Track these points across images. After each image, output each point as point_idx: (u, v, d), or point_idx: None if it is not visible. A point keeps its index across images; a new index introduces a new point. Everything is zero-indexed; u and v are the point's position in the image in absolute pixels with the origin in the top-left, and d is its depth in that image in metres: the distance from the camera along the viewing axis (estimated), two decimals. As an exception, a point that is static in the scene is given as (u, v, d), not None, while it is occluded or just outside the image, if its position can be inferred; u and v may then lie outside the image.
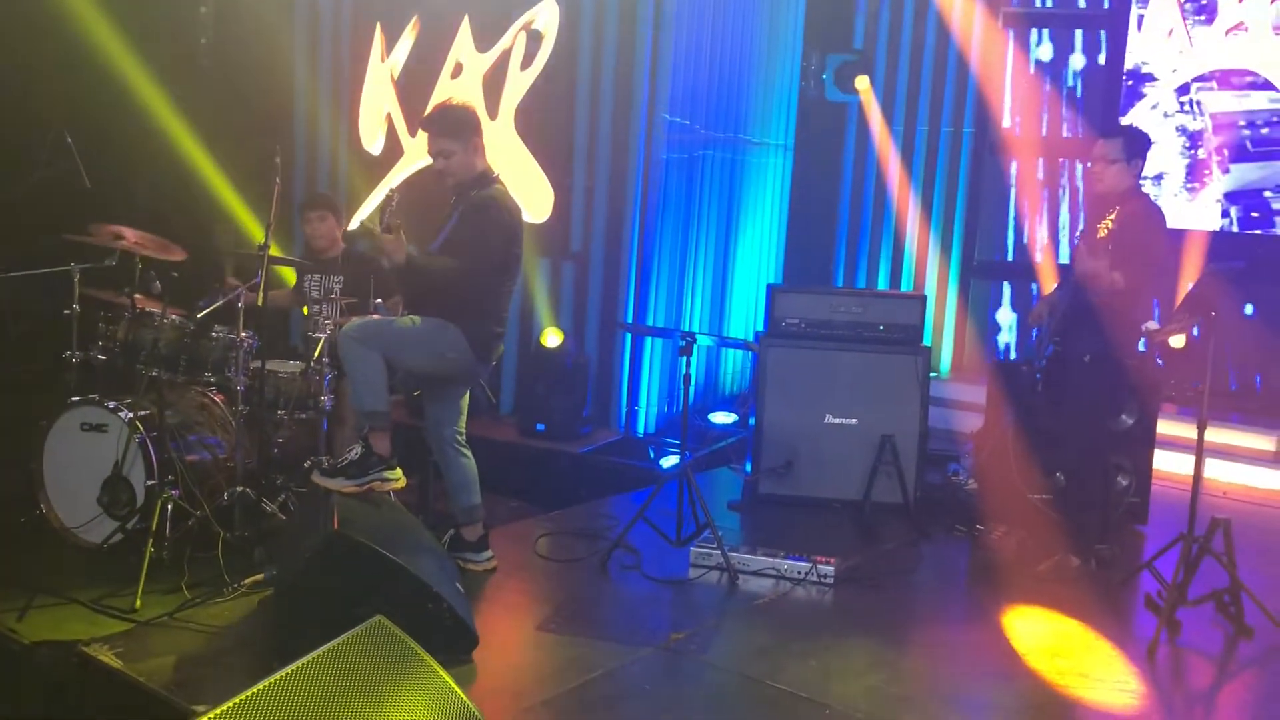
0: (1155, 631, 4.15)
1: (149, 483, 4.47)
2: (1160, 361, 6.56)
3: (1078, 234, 4.89)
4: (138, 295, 4.74)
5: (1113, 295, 4.60)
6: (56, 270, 4.84)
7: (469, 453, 4.63)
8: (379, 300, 5.26)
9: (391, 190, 4.34)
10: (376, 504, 4.18)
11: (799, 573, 4.68)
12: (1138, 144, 4.80)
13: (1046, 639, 4.26)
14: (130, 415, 4.55)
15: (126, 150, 7.25)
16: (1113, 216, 4.74)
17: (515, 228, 4.44)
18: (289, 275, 5.69)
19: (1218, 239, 7.46)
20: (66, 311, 4.76)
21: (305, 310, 5.56)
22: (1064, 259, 7.86)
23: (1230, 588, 4.35)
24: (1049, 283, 7.69)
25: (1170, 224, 4.90)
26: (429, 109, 4.61)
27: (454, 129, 4.39)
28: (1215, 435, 6.49)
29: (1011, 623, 4.41)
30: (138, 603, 4.02)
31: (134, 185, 7.31)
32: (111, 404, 4.59)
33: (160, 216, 6.28)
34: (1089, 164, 4.91)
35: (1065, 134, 8.25)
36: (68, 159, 6.43)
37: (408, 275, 4.27)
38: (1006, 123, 8.21)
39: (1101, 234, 4.73)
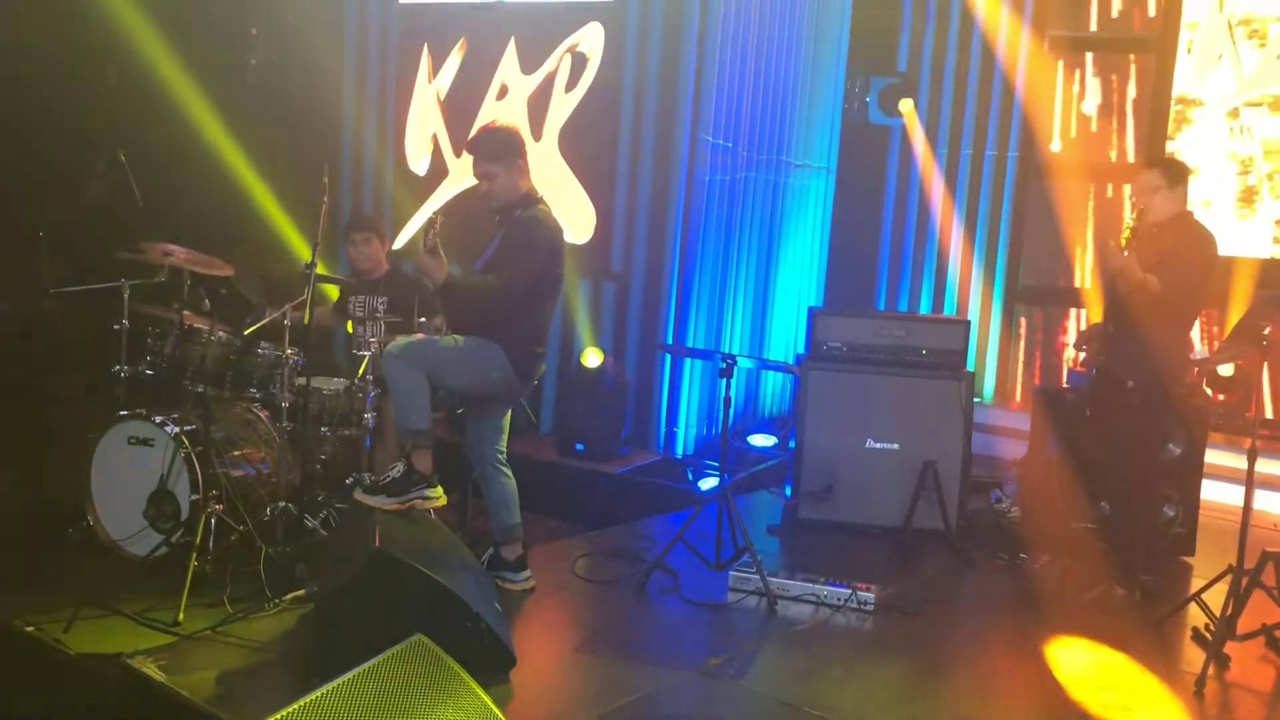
0: (1203, 666, 4.07)
1: (193, 497, 4.53)
2: (1210, 391, 6.46)
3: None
4: (186, 311, 4.81)
5: (1148, 305, 4.54)
6: (108, 285, 4.92)
7: (509, 471, 4.65)
8: (423, 319, 5.30)
9: (435, 213, 4.39)
10: (417, 522, 4.20)
11: (839, 599, 4.64)
12: (1175, 172, 4.79)
13: (1090, 671, 4.19)
14: (176, 430, 4.61)
15: (177, 169, 7.38)
16: (1130, 224, 4.70)
17: (557, 248, 4.47)
18: (331, 292, 5.75)
19: (1269, 266, 7.35)
20: (116, 326, 4.83)
21: (350, 327, 5.62)
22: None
23: (1281, 623, 4.26)
24: (1094, 308, 7.61)
25: (1220, 250, 4.85)
26: (474, 131, 4.66)
27: (498, 151, 4.43)
28: (1267, 466, 6.39)
29: (1054, 654, 4.34)
30: (180, 616, 4.06)
31: (184, 203, 7.42)
32: (158, 418, 4.66)
33: (208, 234, 6.38)
34: (1135, 197, 4.89)
35: (1113, 158, 8.18)
36: (121, 177, 6.55)
37: (449, 295, 4.31)
38: (1052, 146, 8.15)
39: (1124, 239, 4.68)
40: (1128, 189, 7.92)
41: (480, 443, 4.62)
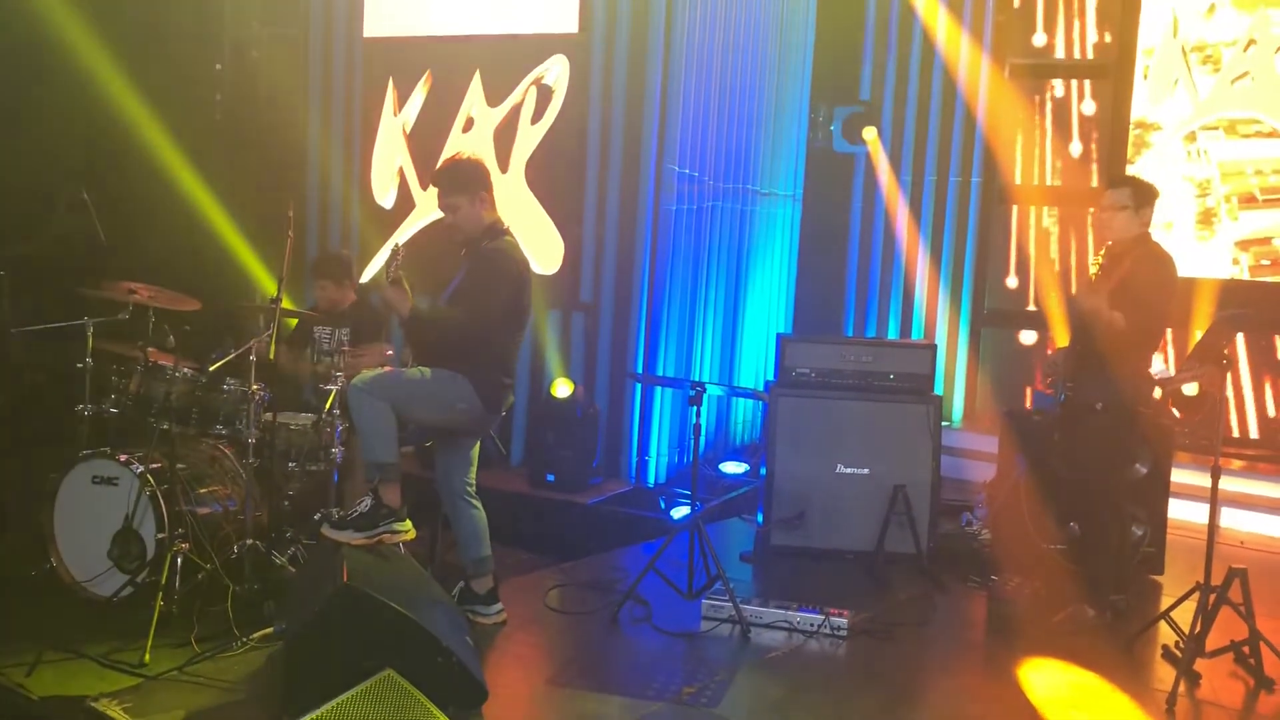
0: (1174, 683, 4.09)
1: (159, 536, 4.47)
2: (1175, 411, 6.54)
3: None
4: (151, 348, 4.77)
5: (1113, 336, 4.60)
6: (71, 324, 4.88)
7: (479, 504, 4.62)
8: (390, 352, 5.28)
9: (397, 245, 4.39)
10: (386, 556, 4.17)
11: (812, 625, 4.64)
12: (1145, 193, 4.83)
13: (1063, 691, 4.20)
14: (141, 468, 4.56)
15: (141, 205, 7.33)
16: (1103, 254, 4.77)
17: (523, 279, 4.47)
18: (291, 323, 5.70)
19: (1228, 287, 7.46)
20: (80, 365, 4.79)
21: (313, 360, 5.57)
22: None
23: (1249, 639, 4.29)
24: (1059, 331, 7.69)
25: (1180, 272, 4.91)
26: (439, 164, 4.67)
27: (461, 183, 4.44)
28: (1231, 484, 6.48)
29: (1027, 675, 4.35)
30: (147, 657, 4.00)
31: (148, 240, 7.37)
32: (123, 457, 4.60)
33: (174, 271, 6.33)
34: (1099, 213, 4.95)
35: (1073, 183, 8.30)
36: (83, 215, 6.50)
37: (415, 327, 4.30)
38: (1014, 172, 8.25)
39: (1093, 272, 4.75)
40: (1089, 217, 8.06)
41: (449, 475, 4.60)
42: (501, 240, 4.45)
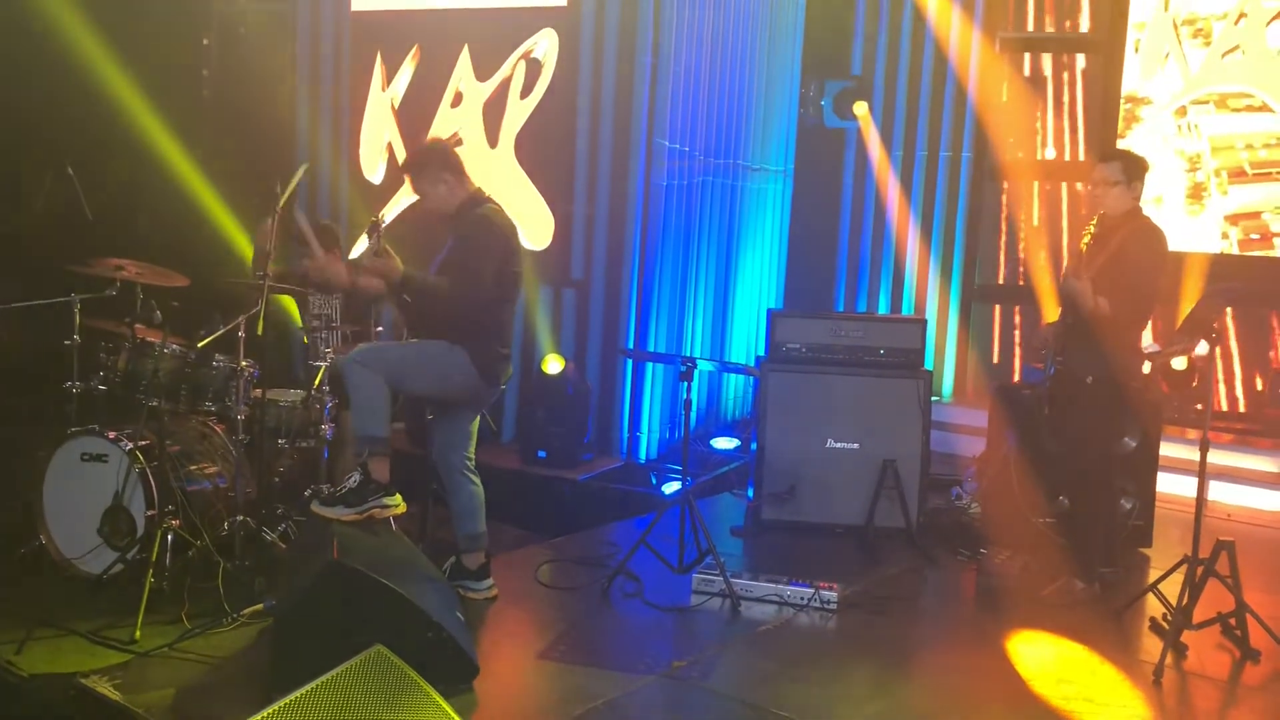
0: (1161, 655, 4.12)
1: (149, 513, 4.47)
2: (1164, 385, 6.56)
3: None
4: (138, 325, 4.74)
5: (1099, 320, 4.60)
6: (57, 301, 4.85)
7: (478, 480, 4.63)
8: (380, 329, 5.26)
9: (377, 218, 4.38)
10: (376, 532, 4.17)
11: (802, 599, 4.66)
12: (1136, 167, 4.81)
13: (1051, 664, 4.23)
14: (130, 445, 4.55)
15: (128, 181, 7.29)
16: (1094, 225, 4.76)
17: (511, 245, 4.46)
18: (288, 303, 5.68)
19: (1218, 261, 7.46)
20: (67, 342, 4.77)
21: (305, 339, 5.57)
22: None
23: (1235, 611, 4.32)
24: (1049, 306, 7.69)
25: (1171, 246, 4.91)
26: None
27: (419, 168, 4.46)
28: (1219, 458, 6.50)
29: (1016, 647, 4.38)
30: (137, 634, 4.00)
31: (136, 216, 7.33)
32: (112, 434, 4.59)
33: (162, 247, 6.30)
34: (1089, 187, 4.93)
35: (1065, 158, 8.28)
36: (69, 190, 6.46)
37: (409, 293, 4.27)
38: (1005, 147, 8.23)
39: (1084, 243, 4.73)
40: (1080, 186, 8.05)
41: (448, 450, 4.59)
42: (485, 207, 4.43)
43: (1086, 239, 4.78)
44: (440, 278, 4.30)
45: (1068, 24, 8.29)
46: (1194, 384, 6.99)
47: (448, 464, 4.59)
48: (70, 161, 6.55)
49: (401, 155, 7.50)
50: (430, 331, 4.35)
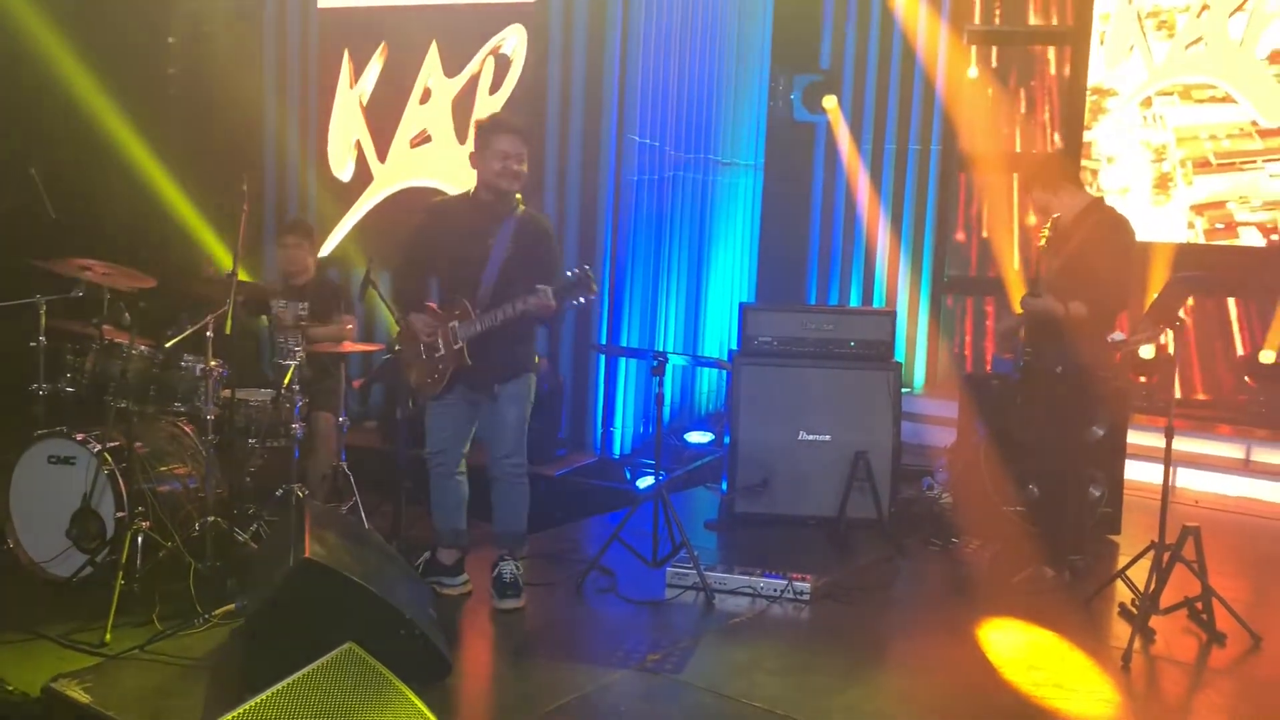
0: (1129, 640, 4.17)
1: (119, 515, 4.43)
2: (1131, 373, 6.62)
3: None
4: (106, 326, 4.70)
5: (1077, 323, 4.65)
6: (22, 302, 4.80)
7: (464, 477, 4.67)
8: (351, 325, 5.22)
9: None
10: (349, 532, 4.15)
11: (775, 590, 4.68)
12: (1050, 173, 4.89)
13: (1022, 650, 4.27)
14: (99, 447, 4.51)
15: (94, 181, 7.21)
16: (1050, 225, 4.77)
17: None
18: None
19: (1184, 250, 7.54)
20: (33, 344, 4.72)
21: (271, 334, 5.53)
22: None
23: (1202, 595, 4.37)
24: (1018, 297, 7.74)
25: (1138, 236, 4.95)
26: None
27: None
28: (1186, 445, 6.58)
29: (987, 635, 4.42)
30: (107, 636, 3.97)
31: (101, 217, 7.25)
32: (80, 436, 4.55)
33: (128, 247, 6.24)
34: (1036, 206, 4.95)
35: (1032, 149, 8.34)
36: (31, 192, 6.38)
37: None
38: (973, 140, 8.29)
39: (1041, 243, 4.76)
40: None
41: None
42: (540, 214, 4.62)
43: (1043, 240, 4.79)
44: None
45: (1033, 16, 8.35)
46: (1160, 372, 7.06)
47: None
48: (34, 162, 6.47)
49: (371, 152, 7.46)
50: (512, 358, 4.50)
